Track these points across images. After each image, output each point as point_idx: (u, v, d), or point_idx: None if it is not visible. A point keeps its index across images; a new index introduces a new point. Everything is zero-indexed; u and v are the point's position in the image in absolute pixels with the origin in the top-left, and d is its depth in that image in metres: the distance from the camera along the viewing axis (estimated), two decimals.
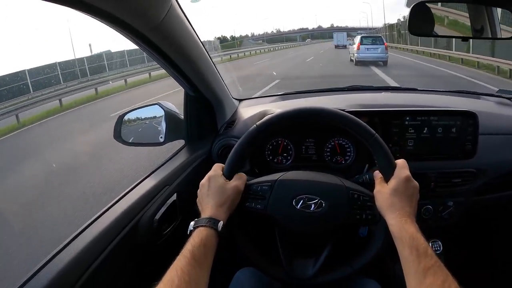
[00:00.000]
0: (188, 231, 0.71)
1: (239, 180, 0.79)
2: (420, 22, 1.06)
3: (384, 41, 13.80)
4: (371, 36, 14.25)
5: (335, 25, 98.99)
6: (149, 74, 14.52)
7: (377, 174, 0.78)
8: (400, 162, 0.76)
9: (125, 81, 13.48)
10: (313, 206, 0.76)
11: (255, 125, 0.80)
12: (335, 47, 32.94)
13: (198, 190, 0.79)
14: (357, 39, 14.09)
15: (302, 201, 0.77)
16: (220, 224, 0.71)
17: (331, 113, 0.80)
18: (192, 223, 0.72)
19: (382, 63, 13.27)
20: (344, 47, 31.50)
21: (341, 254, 0.81)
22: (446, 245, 1.18)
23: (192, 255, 0.65)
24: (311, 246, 0.82)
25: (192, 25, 0.92)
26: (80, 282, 0.69)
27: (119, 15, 0.66)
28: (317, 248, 0.81)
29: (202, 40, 1.00)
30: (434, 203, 1.12)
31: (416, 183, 0.75)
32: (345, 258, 0.80)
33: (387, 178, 0.75)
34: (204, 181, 0.79)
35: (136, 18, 0.70)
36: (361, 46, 13.59)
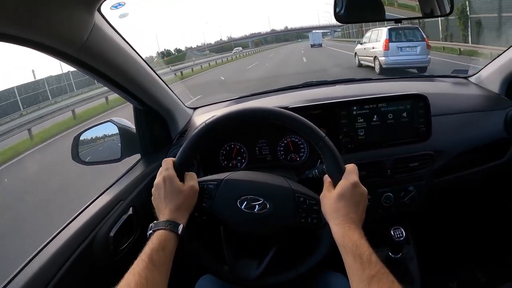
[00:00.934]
0: (148, 234, 0.70)
1: (193, 180, 0.78)
2: (347, 9, 1.03)
3: (424, 35, 8.62)
4: (405, 28, 8.68)
5: (289, 27, 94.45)
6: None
7: (326, 178, 0.77)
8: (350, 167, 0.75)
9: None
10: (257, 207, 0.76)
11: (204, 123, 0.80)
12: (311, 46, 33.58)
13: (153, 189, 0.77)
14: (382, 33, 8.68)
15: (246, 201, 0.77)
16: (181, 227, 0.71)
17: (280, 115, 0.79)
18: (151, 225, 0.71)
19: (417, 70, 8.32)
20: (320, 45, 32.33)
21: (287, 257, 0.80)
22: (412, 229, 1.19)
23: (150, 259, 0.64)
24: (257, 247, 0.82)
25: (126, 39, 0.92)
26: None
27: (42, 41, 0.67)
28: (262, 250, 0.81)
29: (142, 56, 1.00)
30: (394, 190, 1.12)
31: (364, 189, 0.73)
32: (290, 261, 0.79)
33: (335, 182, 0.74)
34: (159, 181, 0.76)
35: (59, 41, 0.70)
36: (391, 45, 8.32)
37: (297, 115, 0.78)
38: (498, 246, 1.46)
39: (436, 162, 1.13)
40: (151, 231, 0.70)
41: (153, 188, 0.77)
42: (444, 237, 1.43)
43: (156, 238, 0.68)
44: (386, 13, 1.08)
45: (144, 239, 0.71)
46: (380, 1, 1.07)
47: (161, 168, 0.78)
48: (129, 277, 0.61)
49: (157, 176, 0.78)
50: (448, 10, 1.15)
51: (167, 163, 0.79)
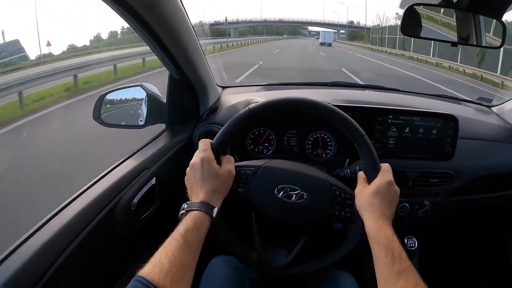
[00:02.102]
0: (180, 214, 0.68)
1: (231, 164, 0.77)
2: (411, 24, 1.06)
3: None
4: None
5: (283, 19, 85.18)
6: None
7: (361, 175, 0.78)
8: (385, 166, 0.77)
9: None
10: (294, 196, 0.76)
11: (247, 108, 0.78)
12: (320, 44, 33.41)
13: (188, 169, 0.75)
14: None
15: (284, 190, 0.77)
16: (215, 210, 0.69)
17: (325, 108, 0.79)
18: (184, 205, 0.69)
19: None
20: (330, 45, 32.15)
21: (316, 248, 0.81)
22: (420, 242, 1.22)
23: (184, 239, 0.62)
24: (287, 236, 0.82)
25: (185, 6, 0.89)
26: (56, 265, 0.66)
27: None
28: (292, 239, 0.81)
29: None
30: (411, 202, 1.14)
31: (397, 188, 0.75)
32: (318, 252, 0.80)
33: (370, 179, 0.75)
34: (196, 162, 0.74)
35: None
36: None
37: (340, 110, 0.79)
38: (496, 270, 1.52)
39: (454, 182, 1.16)
40: (183, 211, 0.69)
41: (188, 168, 0.75)
42: (447, 252, 1.47)
43: (190, 219, 0.66)
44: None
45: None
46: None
47: (199, 148, 0.76)
48: (161, 256, 0.58)
49: (194, 156, 0.75)
50: (482, 42, 1.17)
51: (205, 144, 0.76)
